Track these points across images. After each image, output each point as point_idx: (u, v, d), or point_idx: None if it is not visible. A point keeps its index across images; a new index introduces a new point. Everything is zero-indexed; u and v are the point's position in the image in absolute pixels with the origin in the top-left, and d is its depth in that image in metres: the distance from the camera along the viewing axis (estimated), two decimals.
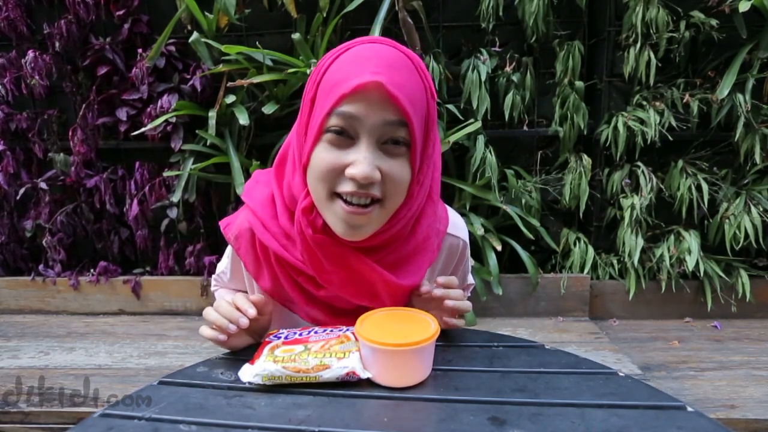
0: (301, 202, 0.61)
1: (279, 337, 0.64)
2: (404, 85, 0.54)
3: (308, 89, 0.59)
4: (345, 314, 0.70)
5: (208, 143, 1.91)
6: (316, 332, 0.64)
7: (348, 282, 0.66)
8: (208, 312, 0.65)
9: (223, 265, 0.83)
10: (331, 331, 0.64)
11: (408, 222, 0.63)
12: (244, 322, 0.62)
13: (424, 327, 0.59)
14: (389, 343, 0.55)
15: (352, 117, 0.54)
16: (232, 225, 0.72)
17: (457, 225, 0.74)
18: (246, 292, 0.78)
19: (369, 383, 0.59)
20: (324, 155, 0.56)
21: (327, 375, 0.57)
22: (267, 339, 0.65)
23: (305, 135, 0.59)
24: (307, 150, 0.57)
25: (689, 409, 0.53)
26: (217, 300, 0.70)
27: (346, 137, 0.55)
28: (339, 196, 0.57)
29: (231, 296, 0.67)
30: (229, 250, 0.80)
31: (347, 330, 0.64)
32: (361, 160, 0.54)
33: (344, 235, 0.59)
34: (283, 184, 0.65)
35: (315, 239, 0.61)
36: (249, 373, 0.58)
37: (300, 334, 0.65)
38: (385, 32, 1.79)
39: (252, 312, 0.63)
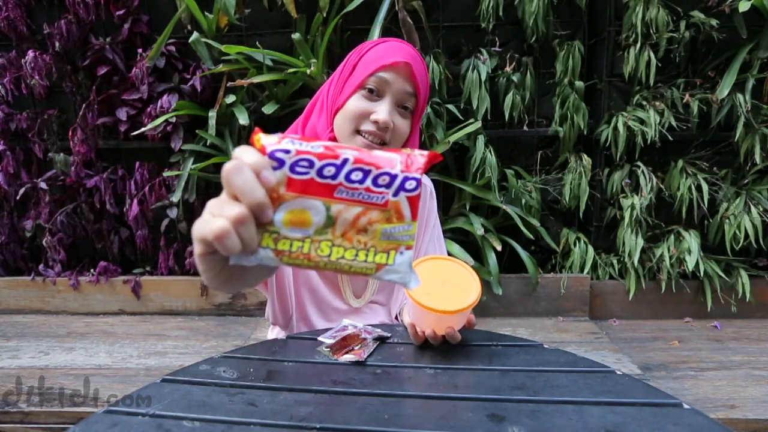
0: (325, 136, 0.82)
1: (289, 152, 0.37)
2: (421, 72, 0.79)
3: (352, 59, 0.81)
4: None
5: (208, 143, 1.91)
6: (350, 180, 0.38)
7: None
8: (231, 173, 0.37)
9: None
10: (370, 185, 0.39)
11: None
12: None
13: (466, 288, 0.68)
14: (433, 309, 0.65)
15: (385, 81, 0.77)
16: None
17: (426, 179, 1.00)
18: None
19: (370, 381, 0.59)
20: (358, 103, 0.78)
21: (345, 274, 0.41)
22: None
23: (342, 88, 0.80)
24: (344, 98, 0.79)
25: (685, 406, 0.53)
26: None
27: (375, 95, 0.78)
28: (359, 133, 0.79)
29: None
30: None
31: (397, 195, 0.39)
32: (385, 111, 0.77)
33: None
34: (306, 126, 0.86)
35: None
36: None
37: (323, 165, 0.38)
38: (385, 32, 1.79)
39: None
